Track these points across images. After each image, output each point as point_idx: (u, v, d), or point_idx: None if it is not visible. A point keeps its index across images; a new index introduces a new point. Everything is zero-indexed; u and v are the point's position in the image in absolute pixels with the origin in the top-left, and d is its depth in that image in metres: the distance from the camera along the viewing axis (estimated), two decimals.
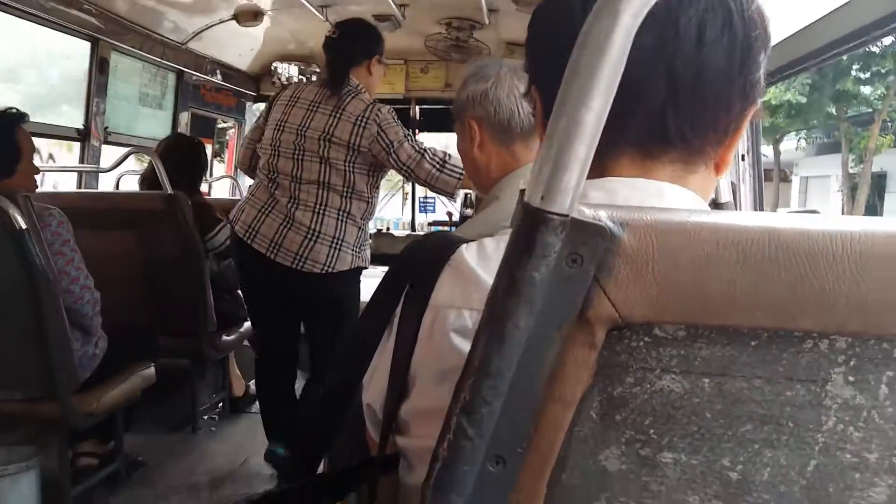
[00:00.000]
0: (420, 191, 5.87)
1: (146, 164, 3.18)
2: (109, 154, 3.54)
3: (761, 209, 2.04)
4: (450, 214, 5.19)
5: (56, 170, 3.98)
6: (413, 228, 5.65)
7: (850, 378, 0.41)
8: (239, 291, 3.41)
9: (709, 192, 0.67)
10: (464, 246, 0.73)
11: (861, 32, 1.34)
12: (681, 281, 0.40)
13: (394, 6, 3.71)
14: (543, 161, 0.39)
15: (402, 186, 6.02)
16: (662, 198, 0.61)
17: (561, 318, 0.42)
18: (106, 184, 3.73)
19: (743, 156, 1.94)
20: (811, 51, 1.52)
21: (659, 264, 0.40)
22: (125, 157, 3.08)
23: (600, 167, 0.63)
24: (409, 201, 5.79)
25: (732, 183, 1.93)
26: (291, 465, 0.80)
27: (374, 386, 0.80)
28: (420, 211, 5.78)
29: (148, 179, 3.07)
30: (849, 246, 0.39)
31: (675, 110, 0.60)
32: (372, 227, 6.05)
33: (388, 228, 5.81)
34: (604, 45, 0.37)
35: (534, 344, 0.42)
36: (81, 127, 3.44)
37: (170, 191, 2.75)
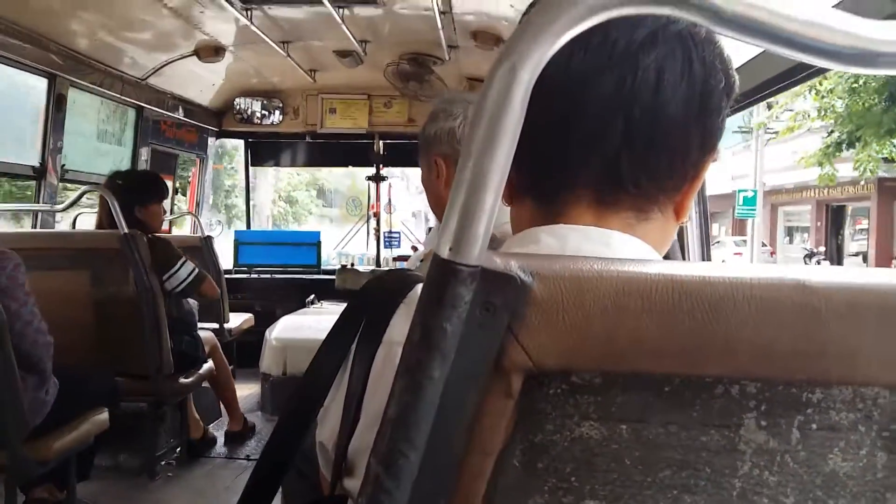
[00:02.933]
0: (385, 225, 5.89)
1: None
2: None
3: (707, 244, 2.07)
4: (415, 249, 5.20)
5: (9, 209, 3.89)
6: (378, 264, 5.64)
7: (763, 423, 0.41)
8: (198, 332, 3.35)
9: (668, 237, 0.67)
10: (419, 284, 0.73)
11: (783, 77, 1.39)
12: (591, 329, 0.40)
13: (355, 42, 3.75)
14: (450, 212, 0.39)
15: (367, 221, 6.03)
16: (609, 247, 0.60)
17: (476, 367, 0.42)
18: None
19: None
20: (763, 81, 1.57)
21: (569, 313, 0.40)
22: (81, 195, 3.03)
23: (555, 213, 0.63)
24: (373, 236, 5.79)
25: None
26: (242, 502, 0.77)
27: (328, 423, 0.79)
28: (385, 246, 5.79)
29: (103, 221, 2.97)
30: (749, 293, 0.39)
31: (630, 158, 0.60)
32: (336, 263, 6.06)
33: (352, 264, 5.78)
34: (503, 99, 0.38)
35: (450, 394, 0.42)
36: (38, 164, 3.39)
37: (125, 230, 2.70)
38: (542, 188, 0.64)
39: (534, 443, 0.43)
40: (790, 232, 23.11)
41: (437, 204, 1.51)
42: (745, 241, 21.01)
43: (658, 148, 0.61)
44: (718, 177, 21.79)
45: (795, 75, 1.40)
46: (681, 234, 1.97)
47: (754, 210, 17.87)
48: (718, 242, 22.85)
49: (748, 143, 20.98)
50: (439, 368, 0.41)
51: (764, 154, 18.80)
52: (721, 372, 0.40)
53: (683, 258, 1.93)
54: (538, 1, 0.39)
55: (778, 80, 1.44)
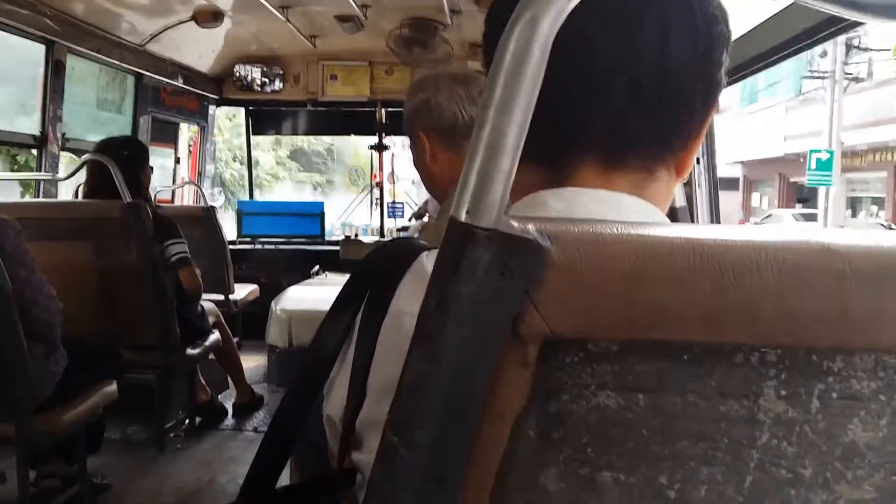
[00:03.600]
0: (389, 195, 5.86)
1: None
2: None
3: (717, 212, 2.06)
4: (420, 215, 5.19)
5: (10, 178, 3.87)
6: (382, 234, 5.63)
7: (782, 392, 0.41)
8: (202, 303, 3.35)
9: (669, 196, 0.66)
10: (425, 253, 0.72)
11: (808, 34, 1.36)
12: (610, 294, 0.39)
13: (355, 7, 3.69)
14: (467, 174, 0.38)
15: (371, 191, 6.00)
16: (621, 210, 0.60)
17: (493, 333, 0.41)
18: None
19: (698, 159, 1.95)
20: (763, 51, 1.54)
21: (588, 277, 0.39)
22: (83, 163, 3.00)
23: (562, 176, 0.62)
24: (377, 206, 5.76)
25: (686, 187, 1.94)
26: (248, 478, 0.77)
27: (334, 396, 0.78)
28: (389, 216, 5.77)
29: (91, 189, 2.91)
30: (772, 256, 0.38)
31: (637, 113, 0.59)
32: (340, 233, 6.05)
33: (356, 234, 5.77)
34: (522, 54, 0.36)
35: (467, 360, 0.41)
36: (38, 133, 3.37)
37: (128, 198, 2.69)
38: (547, 151, 0.63)
39: (549, 412, 0.43)
40: (853, 204, 18.37)
41: (430, 181, 1.52)
42: (803, 216, 17.20)
43: (664, 103, 0.60)
44: (763, 137, 18.33)
45: (821, 32, 1.36)
46: (689, 203, 1.96)
47: (830, 176, 14.15)
48: (769, 217, 18.95)
49: (807, 96, 16.82)
50: (456, 334, 0.40)
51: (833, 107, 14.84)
52: (742, 339, 0.40)
53: None
54: None
55: (801, 37, 1.41)
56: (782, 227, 0.41)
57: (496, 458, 0.44)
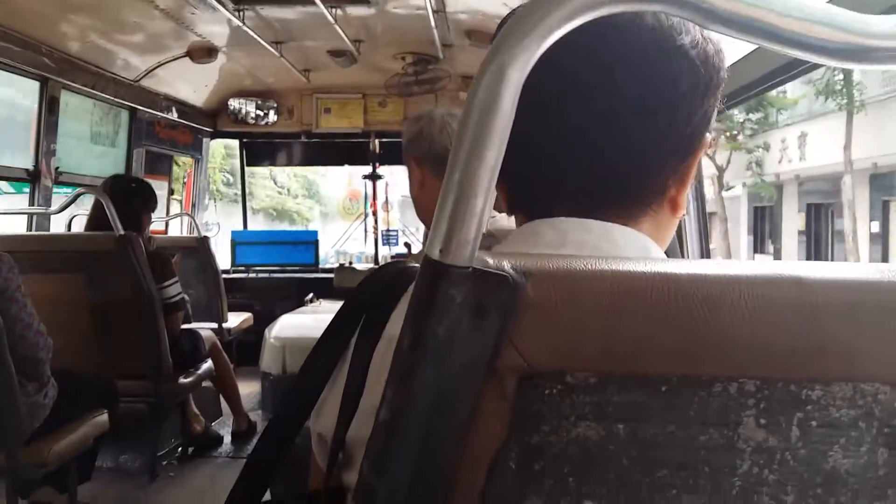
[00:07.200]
0: (383, 223, 5.89)
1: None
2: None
3: (706, 242, 2.07)
4: (408, 246, 5.21)
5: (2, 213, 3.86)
6: (376, 262, 5.63)
7: (762, 420, 0.41)
8: (197, 331, 3.34)
9: (665, 233, 0.65)
10: None
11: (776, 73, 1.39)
12: (585, 329, 0.40)
13: (348, 42, 3.74)
14: (441, 214, 0.39)
15: (365, 219, 6.02)
16: (611, 240, 0.59)
17: (469, 370, 0.41)
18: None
19: None
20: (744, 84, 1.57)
21: (563, 313, 0.39)
22: (75, 197, 3.02)
23: (549, 208, 0.62)
24: (371, 234, 5.78)
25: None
26: (231, 500, 0.77)
27: (325, 414, 0.78)
28: (383, 244, 5.79)
29: (94, 221, 2.96)
30: (747, 291, 0.39)
31: (602, 170, 0.60)
32: (334, 261, 6.05)
33: (350, 262, 5.78)
34: (492, 100, 0.37)
35: (443, 397, 0.41)
36: (31, 167, 3.38)
37: (121, 231, 2.69)
38: (528, 201, 0.64)
39: (529, 444, 0.43)
40: None
41: (420, 207, 1.59)
42: None
43: (639, 154, 0.60)
44: None
45: (792, 70, 1.40)
46: (679, 231, 1.97)
47: None
48: None
49: None
50: (431, 372, 0.40)
51: None
52: (719, 371, 0.40)
53: (682, 254, 1.93)
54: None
55: (776, 73, 1.44)
56: (757, 262, 0.41)
57: (477, 493, 0.44)
